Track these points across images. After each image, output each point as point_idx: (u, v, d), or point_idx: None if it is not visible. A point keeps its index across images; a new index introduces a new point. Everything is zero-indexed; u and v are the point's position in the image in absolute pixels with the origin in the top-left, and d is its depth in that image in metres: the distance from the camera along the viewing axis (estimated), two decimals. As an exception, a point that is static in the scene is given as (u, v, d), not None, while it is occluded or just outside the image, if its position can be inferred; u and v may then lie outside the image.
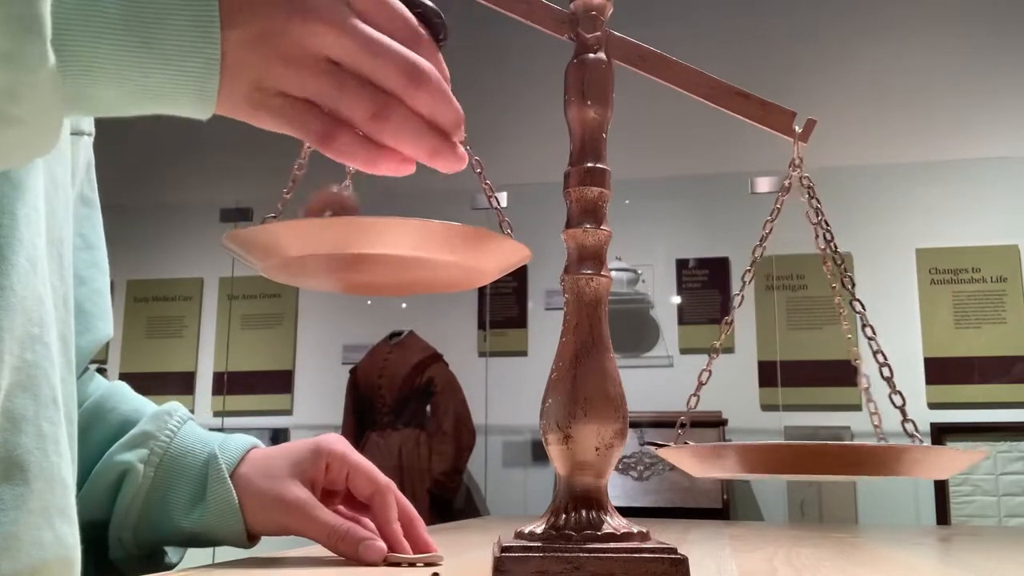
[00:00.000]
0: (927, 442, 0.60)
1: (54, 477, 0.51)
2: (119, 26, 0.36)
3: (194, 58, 0.38)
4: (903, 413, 0.61)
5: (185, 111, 0.40)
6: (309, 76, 0.41)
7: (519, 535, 0.53)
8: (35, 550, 0.49)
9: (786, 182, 0.64)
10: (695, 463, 0.62)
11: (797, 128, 0.62)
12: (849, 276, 0.63)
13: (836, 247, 0.63)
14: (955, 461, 0.58)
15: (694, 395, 0.65)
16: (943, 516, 3.56)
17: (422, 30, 0.45)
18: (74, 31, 0.35)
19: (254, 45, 0.39)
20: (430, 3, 0.46)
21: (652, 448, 0.64)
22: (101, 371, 0.75)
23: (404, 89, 0.43)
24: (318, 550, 0.71)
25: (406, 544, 0.69)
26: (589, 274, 0.56)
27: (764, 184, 3.50)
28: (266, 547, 0.73)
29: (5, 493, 0.47)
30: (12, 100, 0.34)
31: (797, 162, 0.63)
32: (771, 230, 0.65)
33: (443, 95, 0.44)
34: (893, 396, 0.61)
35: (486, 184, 0.64)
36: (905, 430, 0.60)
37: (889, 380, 0.61)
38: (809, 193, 0.63)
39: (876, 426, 0.65)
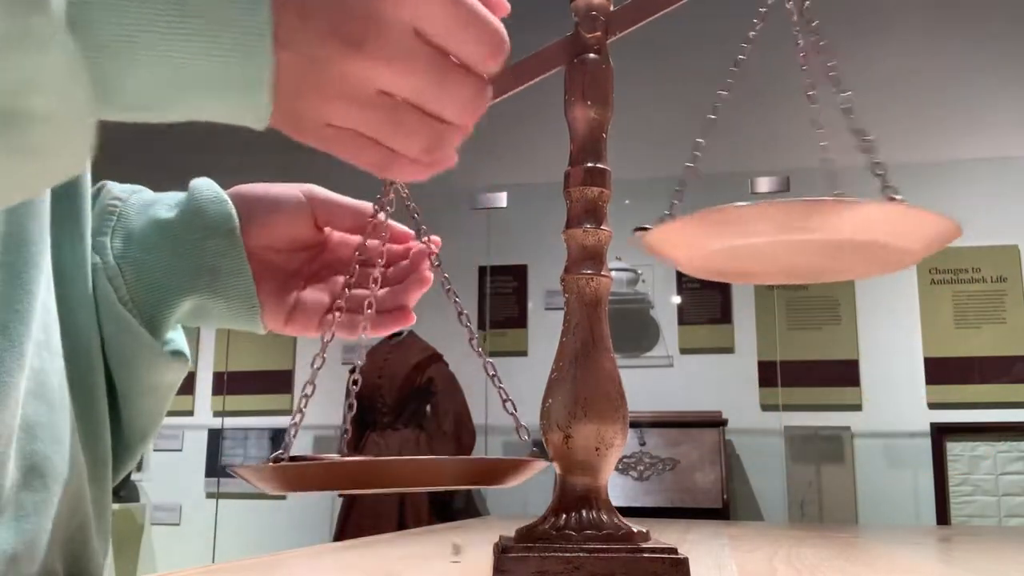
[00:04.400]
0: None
1: (70, 481, 0.51)
2: None
3: (239, 30, 0.32)
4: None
5: (236, 106, 0.35)
6: (360, 112, 0.38)
7: (519, 535, 0.53)
8: (56, 552, 0.49)
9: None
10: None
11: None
12: (880, 166, 0.62)
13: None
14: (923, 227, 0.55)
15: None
16: (943, 516, 3.56)
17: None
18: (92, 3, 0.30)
19: (303, 73, 0.35)
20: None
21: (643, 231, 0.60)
22: None
23: (463, 120, 0.40)
24: (319, 549, 0.70)
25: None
26: (589, 274, 0.56)
27: (764, 184, 3.50)
28: (267, 545, 0.73)
29: (26, 500, 0.47)
30: (28, 90, 0.29)
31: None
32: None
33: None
34: None
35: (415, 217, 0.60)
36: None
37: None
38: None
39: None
